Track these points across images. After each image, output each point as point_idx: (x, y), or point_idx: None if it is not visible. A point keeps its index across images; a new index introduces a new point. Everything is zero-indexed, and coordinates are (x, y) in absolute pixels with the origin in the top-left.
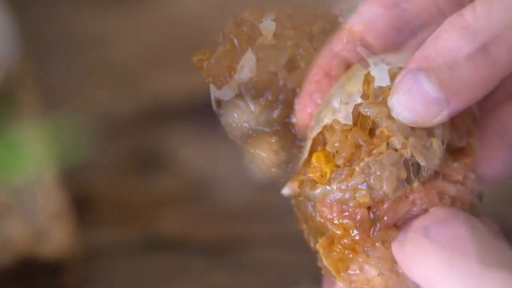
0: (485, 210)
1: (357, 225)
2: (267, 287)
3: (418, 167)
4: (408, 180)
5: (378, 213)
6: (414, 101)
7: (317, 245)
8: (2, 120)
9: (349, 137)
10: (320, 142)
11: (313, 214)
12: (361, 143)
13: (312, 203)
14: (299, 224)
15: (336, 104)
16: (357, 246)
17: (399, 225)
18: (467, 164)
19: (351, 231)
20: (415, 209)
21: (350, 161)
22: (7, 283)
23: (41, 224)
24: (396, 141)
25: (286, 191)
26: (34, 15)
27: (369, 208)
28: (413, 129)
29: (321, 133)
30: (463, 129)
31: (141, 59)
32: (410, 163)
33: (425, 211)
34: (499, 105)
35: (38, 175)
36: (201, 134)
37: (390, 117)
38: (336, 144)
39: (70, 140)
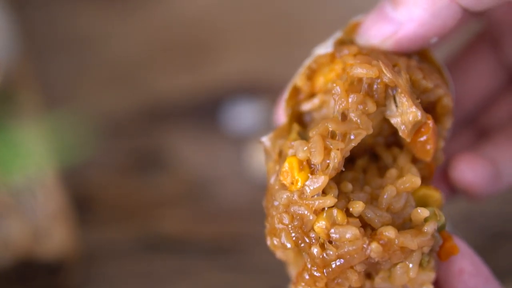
0: (485, 211)
1: (309, 257)
2: (267, 287)
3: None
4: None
5: (330, 253)
6: (375, 22)
7: None
8: (2, 119)
9: (311, 139)
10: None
11: (275, 214)
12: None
13: (278, 202)
14: (265, 219)
15: (318, 49)
16: (317, 283)
17: (358, 269)
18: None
19: (307, 263)
20: (373, 259)
21: (326, 157)
22: (7, 283)
23: (41, 224)
24: (359, 68)
25: (265, 140)
26: (34, 15)
27: (322, 245)
28: (376, 60)
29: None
30: (431, 78)
31: (141, 59)
32: (376, 87)
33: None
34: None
35: (38, 175)
36: (201, 134)
37: (355, 54)
38: (305, 148)
39: (70, 140)
